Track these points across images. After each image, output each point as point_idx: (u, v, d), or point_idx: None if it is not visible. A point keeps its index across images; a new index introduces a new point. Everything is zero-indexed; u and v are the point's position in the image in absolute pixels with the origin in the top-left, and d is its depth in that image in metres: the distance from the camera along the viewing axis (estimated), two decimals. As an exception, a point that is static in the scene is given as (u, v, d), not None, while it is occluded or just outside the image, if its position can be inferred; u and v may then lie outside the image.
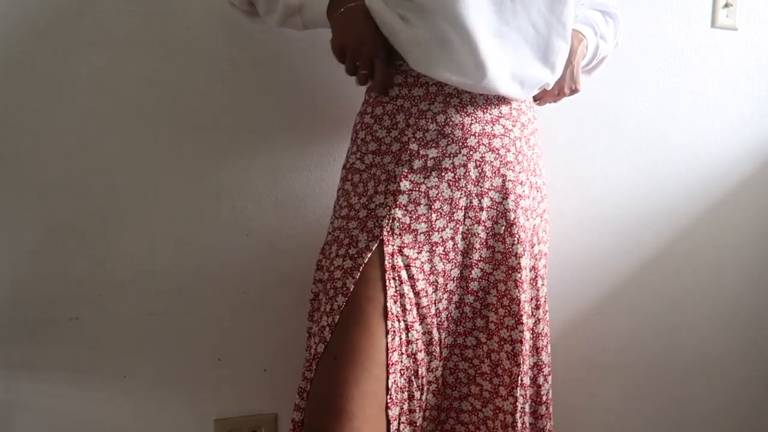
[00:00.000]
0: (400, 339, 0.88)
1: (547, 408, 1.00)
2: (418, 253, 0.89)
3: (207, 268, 1.19)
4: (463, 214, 0.91)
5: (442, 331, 0.94)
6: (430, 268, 0.91)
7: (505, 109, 0.93)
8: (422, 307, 0.90)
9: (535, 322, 0.98)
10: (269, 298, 1.22)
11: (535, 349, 0.98)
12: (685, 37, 1.39)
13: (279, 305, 1.23)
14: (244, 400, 1.24)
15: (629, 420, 1.47)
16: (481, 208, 0.91)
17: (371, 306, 0.86)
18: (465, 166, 0.90)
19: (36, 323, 1.12)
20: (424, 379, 0.92)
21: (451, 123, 0.89)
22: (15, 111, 1.08)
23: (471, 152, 0.90)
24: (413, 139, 0.90)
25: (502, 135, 0.92)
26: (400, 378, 0.89)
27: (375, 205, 0.90)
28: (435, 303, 0.92)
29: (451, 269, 0.93)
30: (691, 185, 1.44)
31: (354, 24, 0.88)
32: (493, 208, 0.92)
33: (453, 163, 0.89)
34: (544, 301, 0.99)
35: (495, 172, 0.91)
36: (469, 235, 0.92)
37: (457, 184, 0.90)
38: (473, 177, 0.90)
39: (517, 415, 0.93)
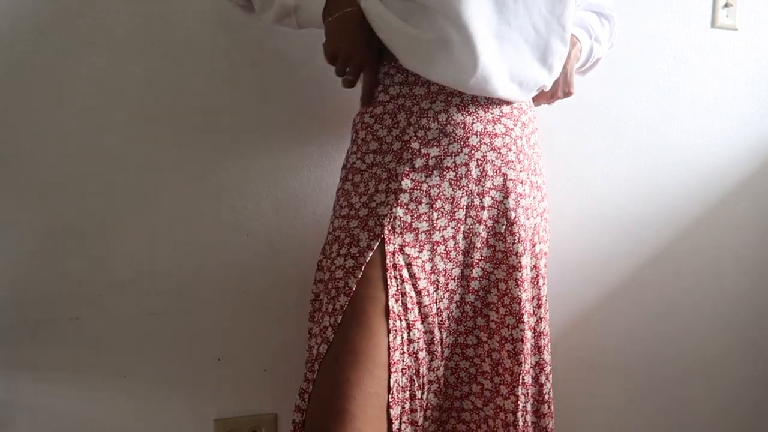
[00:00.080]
0: (402, 338, 0.89)
1: (548, 407, 1.00)
2: (420, 251, 0.90)
3: (207, 268, 1.19)
4: (464, 213, 0.91)
5: (443, 330, 0.94)
6: (432, 267, 0.91)
7: (506, 108, 0.93)
8: (424, 306, 0.90)
9: (537, 321, 0.98)
10: (269, 298, 1.22)
11: (537, 348, 0.98)
12: (685, 37, 1.39)
13: (279, 305, 1.23)
14: (244, 400, 1.24)
15: (629, 420, 1.47)
16: (483, 207, 0.91)
17: (372, 305, 0.86)
18: (467, 165, 0.90)
19: (36, 323, 1.12)
20: (425, 378, 0.92)
21: (452, 122, 0.89)
22: (15, 111, 1.08)
23: (473, 151, 0.90)
24: (415, 138, 0.90)
25: (503, 134, 0.92)
26: (401, 377, 0.89)
27: (376, 204, 0.90)
28: (436, 302, 0.92)
29: (452, 268, 0.93)
30: (691, 185, 1.44)
31: (348, 29, 0.89)
32: (494, 207, 0.92)
33: (455, 162, 0.90)
34: (545, 300, 1.00)
35: (496, 171, 0.91)
36: (471, 234, 0.92)
37: (458, 183, 0.90)
38: (474, 176, 0.90)
39: (519, 414, 0.94)
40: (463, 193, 0.90)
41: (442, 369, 0.95)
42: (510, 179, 0.93)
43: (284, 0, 0.93)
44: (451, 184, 0.90)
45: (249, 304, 1.22)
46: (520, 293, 0.92)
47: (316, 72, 1.18)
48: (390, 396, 0.86)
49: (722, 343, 1.50)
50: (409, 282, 0.89)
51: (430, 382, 0.94)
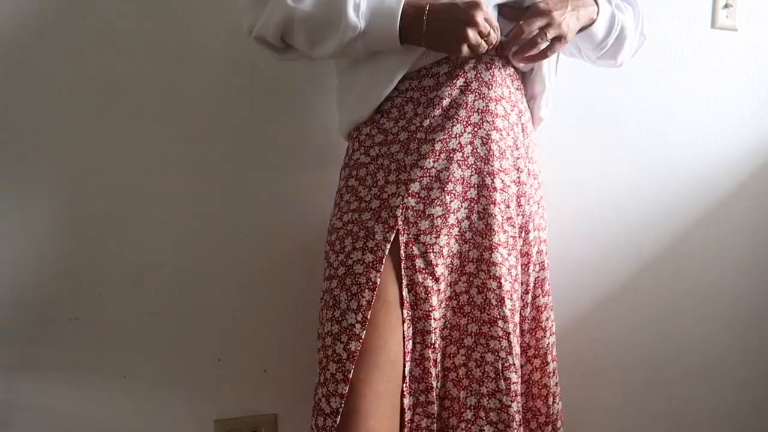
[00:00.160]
0: (416, 328, 0.89)
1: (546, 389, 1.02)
2: (437, 237, 0.90)
3: (207, 268, 1.19)
4: (476, 192, 0.92)
5: (461, 316, 0.93)
6: (449, 252, 0.91)
7: (505, 90, 0.94)
8: (441, 293, 0.91)
9: (523, 305, 0.99)
10: (269, 298, 1.22)
11: (521, 331, 1.00)
12: (685, 37, 1.39)
13: (279, 305, 1.23)
14: (244, 401, 1.24)
15: (629, 421, 1.46)
16: (495, 189, 0.92)
17: (383, 301, 0.87)
18: (472, 143, 0.91)
19: (36, 323, 1.12)
20: (440, 366, 0.93)
21: (455, 104, 0.90)
22: (15, 111, 1.08)
23: (476, 129, 0.91)
24: (421, 128, 0.91)
25: (503, 116, 0.93)
26: (416, 368, 0.89)
27: (387, 195, 0.90)
28: (451, 285, 0.93)
29: (469, 250, 0.93)
30: (691, 185, 1.44)
31: (451, 7, 0.85)
32: (504, 191, 0.93)
33: (460, 142, 0.90)
34: (535, 286, 1.01)
35: (502, 153, 0.93)
36: (486, 216, 0.92)
37: (466, 162, 0.91)
38: (482, 154, 0.91)
39: (511, 402, 0.93)
40: (471, 171, 0.91)
41: (462, 357, 0.94)
42: (510, 164, 0.94)
43: (352, 24, 0.84)
44: (459, 165, 0.90)
45: (249, 304, 1.22)
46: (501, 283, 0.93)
47: (316, 72, 1.18)
48: (404, 385, 0.87)
49: (722, 344, 1.50)
50: (425, 271, 0.89)
51: (447, 369, 0.94)
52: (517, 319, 0.95)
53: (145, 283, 1.17)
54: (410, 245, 0.89)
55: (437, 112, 0.91)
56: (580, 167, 1.37)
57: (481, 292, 0.92)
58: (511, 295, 0.94)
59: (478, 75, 0.92)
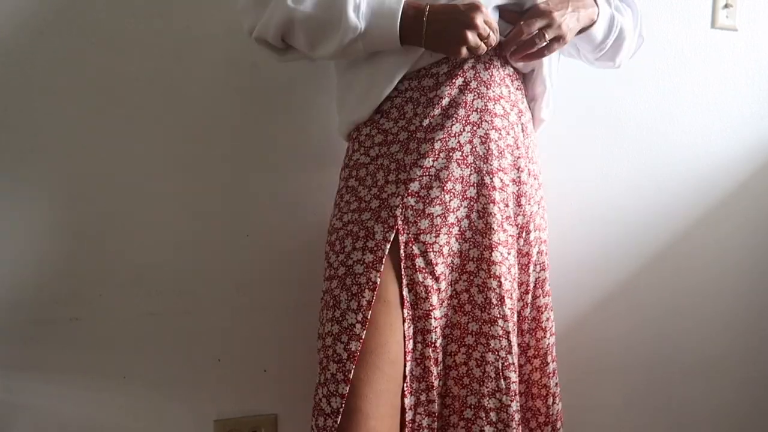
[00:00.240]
0: (416, 327, 0.89)
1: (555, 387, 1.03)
2: (436, 236, 0.90)
3: (207, 268, 1.19)
4: (476, 191, 0.92)
5: (462, 315, 0.93)
6: (449, 251, 0.91)
7: (504, 90, 0.94)
8: (441, 292, 0.91)
9: (523, 306, 0.99)
10: (269, 298, 1.22)
11: (521, 331, 1.00)
12: (685, 37, 1.39)
13: (279, 305, 1.23)
14: (244, 401, 1.24)
15: (629, 421, 1.46)
16: (494, 188, 0.92)
17: (383, 300, 0.87)
18: (471, 142, 0.91)
19: (36, 323, 1.12)
20: (442, 365, 0.93)
21: (454, 103, 0.91)
22: (15, 111, 1.08)
23: (475, 128, 0.91)
24: (420, 128, 0.91)
25: (502, 116, 0.93)
26: (416, 367, 0.90)
27: (387, 195, 0.90)
28: (452, 284, 0.93)
29: (469, 249, 0.93)
30: (691, 185, 1.44)
31: (452, 9, 0.85)
32: (503, 190, 0.93)
33: (459, 141, 0.90)
34: (535, 286, 1.01)
35: (501, 152, 0.93)
36: (486, 215, 0.92)
37: (465, 161, 0.91)
38: (480, 153, 0.91)
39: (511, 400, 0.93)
40: (471, 170, 0.91)
41: (462, 355, 0.94)
42: (509, 163, 0.94)
43: (353, 25, 0.85)
44: (458, 164, 0.90)
45: (249, 304, 1.22)
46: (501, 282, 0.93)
47: (316, 72, 1.18)
48: (405, 385, 0.87)
49: (722, 343, 1.50)
50: (425, 270, 0.89)
51: (448, 367, 0.94)
52: (515, 318, 0.95)
53: (145, 283, 1.17)
54: (410, 245, 0.89)
55: (437, 111, 0.91)
56: (580, 167, 1.37)
57: (482, 291, 0.92)
58: (511, 294, 0.94)
59: (477, 74, 0.92)
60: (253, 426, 1.24)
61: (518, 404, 0.94)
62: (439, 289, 0.90)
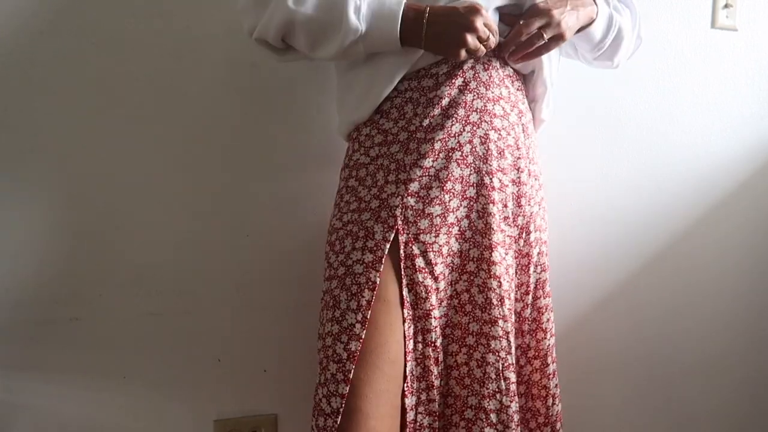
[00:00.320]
0: (417, 327, 0.89)
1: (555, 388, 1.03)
2: (436, 236, 0.90)
3: (207, 268, 1.19)
4: (475, 191, 0.92)
5: (462, 315, 0.93)
6: (448, 251, 0.91)
7: (504, 91, 0.94)
8: (440, 291, 0.91)
9: (523, 307, 0.99)
10: (269, 298, 1.22)
11: (521, 332, 1.00)
12: (685, 37, 1.39)
13: (279, 305, 1.23)
14: (244, 401, 1.24)
15: (629, 420, 1.46)
16: (493, 188, 0.92)
17: (383, 300, 0.87)
18: (471, 142, 0.91)
19: (36, 323, 1.12)
20: (443, 365, 0.93)
21: (454, 103, 0.91)
22: (15, 111, 1.08)
23: (474, 128, 0.91)
24: (420, 128, 0.91)
25: (502, 116, 0.93)
26: (416, 366, 0.89)
27: (387, 195, 0.90)
28: (452, 284, 0.93)
29: (469, 249, 0.93)
30: (691, 185, 1.44)
31: (452, 11, 0.86)
32: (502, 190, 0.93)
33: (459, 141, 0.91)
34: (536, 287, 1.01)
35: (500, 153, 0.93)
36: (485, 215, 0.92)
37: (465, 161, 0.91)
38: (480, 153, 0.91)
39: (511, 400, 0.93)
40: (471, 170, 0.91)
41: (463, 356, 0.94)
42: (509, 164, 0.94)
43: (353, 27, 0.85)
44: (458, 164, 0.91)
45: (249, 304, 1.22)
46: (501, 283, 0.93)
47: (316, 72, 1.18)
48: (405, 385, 0.87)
49: (722, 343, 1.50)
50: (425, 270, 0.89)
51: (449, 367, 0.94)
52: (513, 318, 0.95)
53: (145, 283, 1.17)
54: (410, 245, 0.89)
55: (436, 111, 0.91)
56: (580, 167, 1.37)
57: (482, 291, 0.92)
58: (509, 295, 0.94)
59: (476, 75, 0.92)
60: (253, 426, 1.24)
61: (518, 405, 0.94)
62: (437, 288, 0.90)
